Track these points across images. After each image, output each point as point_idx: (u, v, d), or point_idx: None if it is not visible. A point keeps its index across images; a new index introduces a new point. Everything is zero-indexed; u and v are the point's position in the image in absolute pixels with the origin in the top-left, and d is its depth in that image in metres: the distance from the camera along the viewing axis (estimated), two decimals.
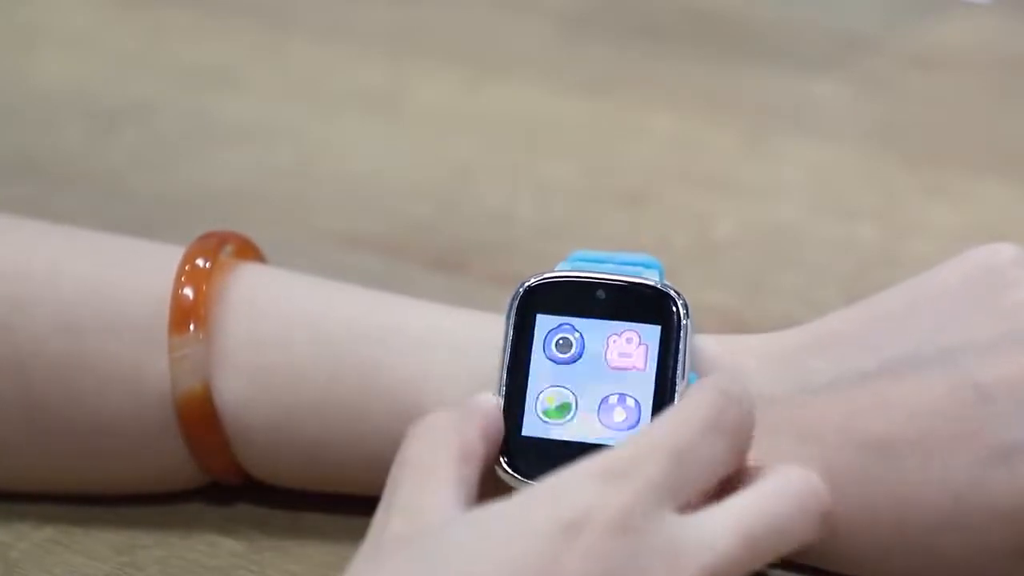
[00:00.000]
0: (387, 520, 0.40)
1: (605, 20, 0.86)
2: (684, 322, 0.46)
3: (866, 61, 0.81)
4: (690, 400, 0.41)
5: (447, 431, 0.42)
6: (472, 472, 0.41)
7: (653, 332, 0.46)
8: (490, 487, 0.44)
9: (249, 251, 0.52)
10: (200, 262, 0.49)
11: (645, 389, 0.46)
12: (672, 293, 0.46)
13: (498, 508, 0.39)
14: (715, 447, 0.40)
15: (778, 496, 0.40)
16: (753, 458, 0.42)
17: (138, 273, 0.49)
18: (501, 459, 0.45)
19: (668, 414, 0.41)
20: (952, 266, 0.47)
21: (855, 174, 0.71)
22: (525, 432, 0.45)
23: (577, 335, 0.46)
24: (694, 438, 0.40)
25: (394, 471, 0.41)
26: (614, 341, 0.46)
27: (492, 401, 0.44)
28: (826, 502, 0.41)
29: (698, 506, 0.40)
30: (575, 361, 0.46)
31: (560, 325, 0.47)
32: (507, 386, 0.46)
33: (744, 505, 0.40)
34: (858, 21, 0.85)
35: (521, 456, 0.45)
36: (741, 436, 0.41)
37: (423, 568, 0.38)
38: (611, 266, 0.47)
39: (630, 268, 0.47)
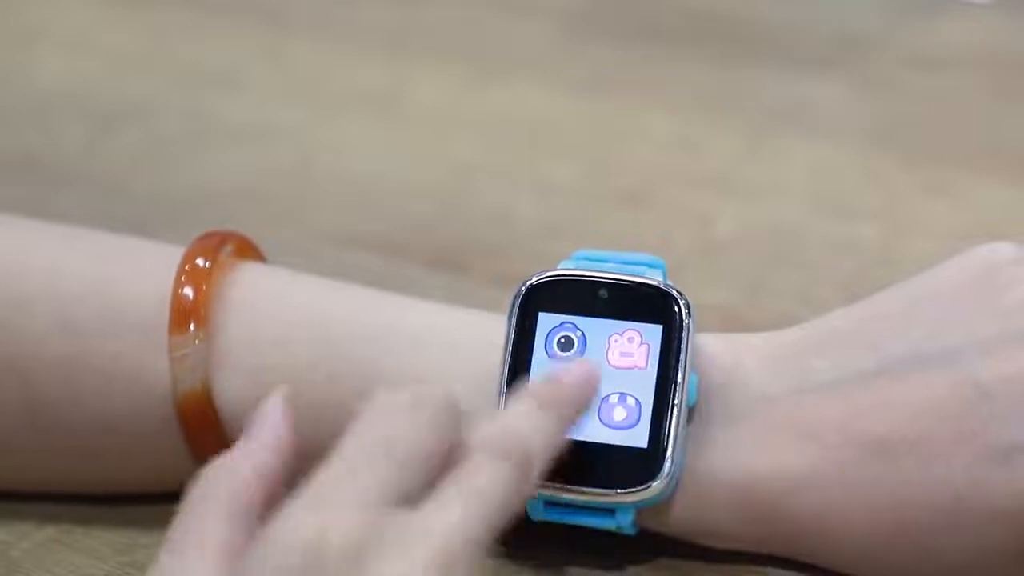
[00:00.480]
0: None
1: (605, 20, 0.86)
2: (686, 322, 0.46)
3: (866, 61, 0.81)
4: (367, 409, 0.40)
5: (217, 486, 0.40)
6: (243, 530, 0.38)
7: (655, 332, 0.46)
8: None
9: (249, 251, 0.52)
10: (200, 262, 0.49)
11: (646, 389, 0.46)
12: (674, 293, 0.46)
13: None
14: (417, 434, 0.39)
15: (479, 463, 0.39)
16: None
17: (138, 273, 0.49)
18: None
19: (348, 434, 0.40)
20: (952, 265, 0.47)
21: (855, 174, 0.70)
22: None
23: (579, 334, 0.47)
24: (393, 431, 0.39)
25: (168, 537, 0.39)
26: (616, 340, 0.46)
27: (269, 425, 0.41)
28: (518, 444, 0.40)
29: (425, 494, 0.39)
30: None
31: (562, 323, 0.47)
32: (509, 384, 0.46)
33: (457, 484, 0.39)
34: (858, 21, 0.85)
35: None
36: (443, 418, 0.40)
37: None
38: (614, 265, 0.47)
39: (633, 267, 0.47)
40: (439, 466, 0.39)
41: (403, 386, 0.41)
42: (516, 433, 0.41)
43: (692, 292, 0.47)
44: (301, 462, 0.47)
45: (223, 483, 0.39)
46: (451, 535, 0.37)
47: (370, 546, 0.36)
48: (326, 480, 0.38)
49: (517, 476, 0.39)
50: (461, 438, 0.40)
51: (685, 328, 0.46)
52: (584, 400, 0.43)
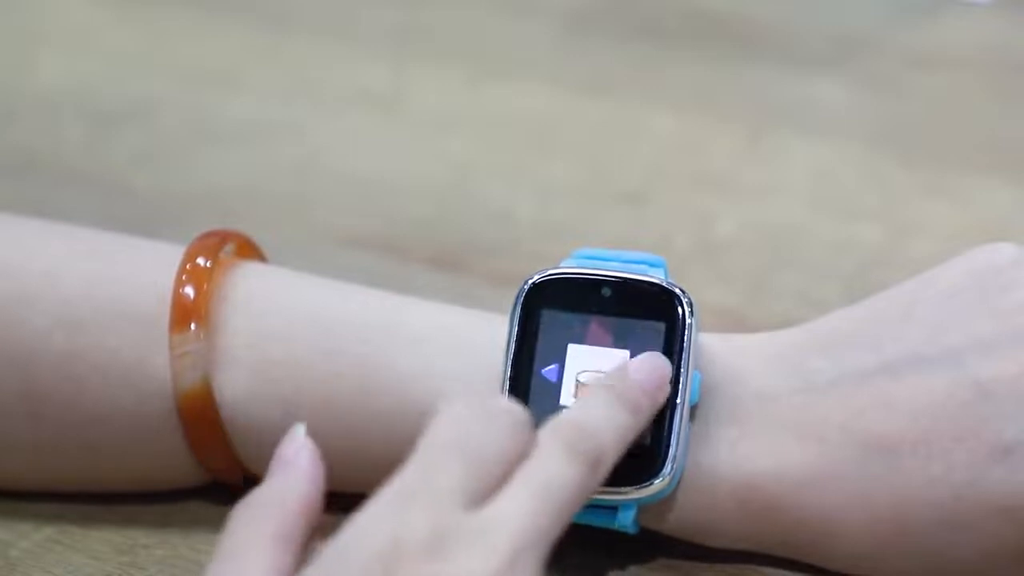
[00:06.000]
0: None
1: (606, 20, 0.86)
2: (689, 320, 0.46)
3: (866, 61, 0.81)
4: (439, 416, 0.41)
5: (264, 512, 0.40)
6: (290, 555, 0.39)
7: (658, 330, 0.46)
8: None
9: (250, 250, 0.52)
10: (201, 261, 0.49)
11: None
12: (677, 291, 0.46)
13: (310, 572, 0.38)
14: (491, 436, 0.40)
15: (549, 455, 0.40)
16: None
17: (139, 271, 0.49)
18: None
19: (424, 439, 0.40)
20: (953, 266, 0.47)
21: (855, 174, 0.71)
22: None
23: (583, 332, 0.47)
24: (469, 435, 0.40)
25: (212, 564, 0.39)
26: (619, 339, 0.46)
27: (306, 457, 0.42)
28: (588, 438, 0.41)
29: (498, 488, 0.39)
30: None
31: (566, 322, 0.47)
32: (511, 383, 0.46)
33: (526, 475, 0.40)
34: (858, 21, 0.85)
35: None
36: (514, 422, 0.41)
37: None
38: (616, 263, 0.47)
39: (635, 266, 0.47)
40: (512, 467, 0.40)
41: (473, 393, 0.42)
42: (586, 427, 0.41)
43: (693, 292, 0.47)
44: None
45: (267, 508, 0.40)
46: (519, 526, 0.38)
47: (447, 541, 0.37)
48: (403, 482, 0.39)
49: (586, 471, 0.40)
50: (533, 439, 0.41)
51: (688, 327, 0.46)
52: (657, 392, 0.44)
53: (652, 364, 0.45)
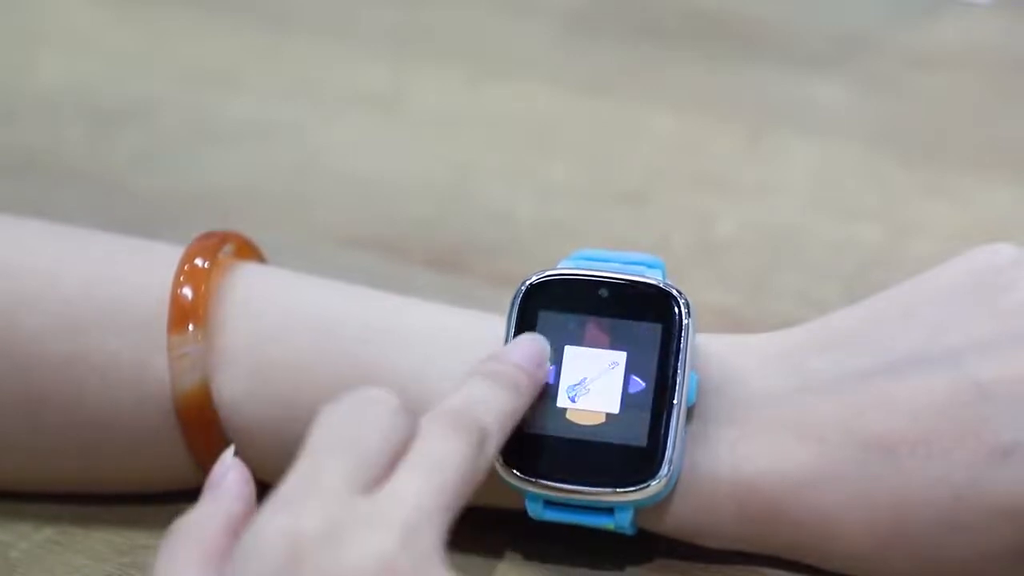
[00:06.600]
0: None
1: (606, 20, 0.86)
2: (686, 322, 0.46)
3: (866, 61, 0.81)
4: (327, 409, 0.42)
5: (189, 536, 0.41)
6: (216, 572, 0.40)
7: (655, 331, 0.46)
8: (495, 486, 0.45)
9: (249, 251, 0.52)
10: (199, 262, 0.49)
11: (646, 388, 0.46)
12: (674, 292, 0.46)
13: None
14: (375, 425, 0.41)
15: (430, 436, 0.41)
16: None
17: (138, 272, 0.49)
18: (500, 460, 0.45)
19: (305, 444, 0.41)
20: (952, 266, 0.47)
21: (855, 174, 0.71)
22: (526, 430, 0.46)
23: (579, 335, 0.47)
24: (346, 429, 0.41)
25: None
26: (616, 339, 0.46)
27: (232, 477, 0.42)
28: (467, 416, 0.42)
29: (386, 477, 0.40)
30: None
31: (563, 323, 0.47)
32: None
33: (411, 457, 0.40)
34: (858, 21, 0.85)
35: (523, 454, 0.45)
36: (397, 409, 0.42)
37: None
38: (614, 264, 0.47)
39: (633, 267, 0.47)
40: (397, 453, 0.41)
41: (356, 389, 0.42)
42: (465, 408, 0.42)
43: (692, 292, 0.47)
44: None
45: (192, 532, 0.40)
46: (410, 504, 0.38)
47: (342, 528, 0.37)
48: (292, 481, 0.39)
49: (469, 447, 0.41)
50: (414, 425, 0.42)
51: (684, 328, 0.46)
52: (532, 371, 0.45)
53: (528, 342, 0.46)
